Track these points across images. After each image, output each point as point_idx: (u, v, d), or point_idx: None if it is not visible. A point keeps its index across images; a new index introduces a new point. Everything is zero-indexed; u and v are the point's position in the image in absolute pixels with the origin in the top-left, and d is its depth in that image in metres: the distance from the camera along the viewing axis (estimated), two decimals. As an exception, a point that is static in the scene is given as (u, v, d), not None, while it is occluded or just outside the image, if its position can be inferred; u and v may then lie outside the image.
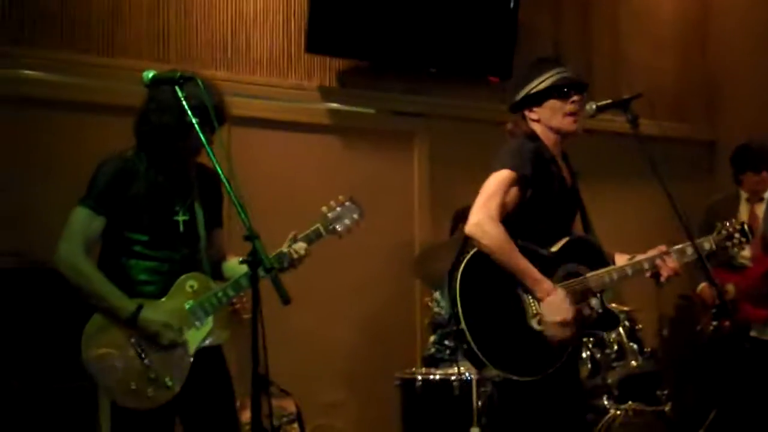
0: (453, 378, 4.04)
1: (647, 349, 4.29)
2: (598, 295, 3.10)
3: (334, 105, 5.14)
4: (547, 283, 2.98)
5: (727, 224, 3.26)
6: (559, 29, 6.04)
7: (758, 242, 4.69)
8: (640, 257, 3.17)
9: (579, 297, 3.05)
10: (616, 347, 4.11)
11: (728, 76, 6.55)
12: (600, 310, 3.10)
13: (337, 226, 3.36)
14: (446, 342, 4.70)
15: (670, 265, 3.12)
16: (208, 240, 3.29)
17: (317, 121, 5.09)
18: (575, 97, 3.16)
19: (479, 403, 3.88)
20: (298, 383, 4.45)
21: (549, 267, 3.05)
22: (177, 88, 2.81)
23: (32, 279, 3.78)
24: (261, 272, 2.56)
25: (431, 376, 4.14)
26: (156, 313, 3.06)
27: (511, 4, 5.55)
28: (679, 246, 3.16)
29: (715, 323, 4.66)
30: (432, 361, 4.68)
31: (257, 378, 2.55)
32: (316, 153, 5.11)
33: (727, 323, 4.66)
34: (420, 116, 5.42)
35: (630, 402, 3.91)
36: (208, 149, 2.72)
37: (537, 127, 3.21)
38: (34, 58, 4.20)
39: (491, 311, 2.98)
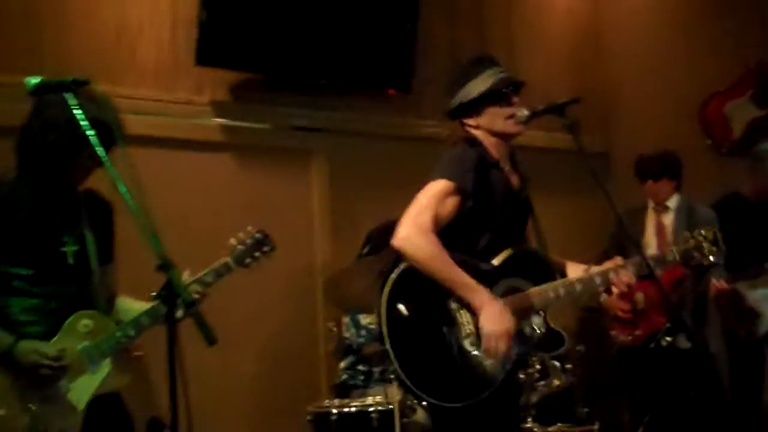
0: (371, 409, 3.77)
1: (568, 366, 4.16)
2: (541, 312, 2.89)
3: (227, 120, 4.81)
4: (484, 293, 2.77)
5: (696, 234, 3.08)
6: (456, 43, 5.90)
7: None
8: (593, 270, 2.98)
9: (519, 314, 2.84)
10: (539, 366, 3.94)
11: (621, 89, 6.58)
12: (542, 330, 2.88)
13: (247, 260, 3.08)
14: (359, 367, 4.46)
15: (624, 279, 2.94)
16: (100, 275, 2.93)
17: (209, 138, 4.75)
18: (515, 99, 2.98)
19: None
20: (197, 424, 4.08)
21: (488, 282, 2.84)
22: (68, 96, 2.45)
23: None
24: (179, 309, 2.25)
25: (347, 408, 3.84)
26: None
27: (410, 17, 5.37)
28: (635, 258, 2.98)
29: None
30: (343, 390, 4.43)
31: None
32: (208, 172, 4.76)
33: (638, 333, 4.58)
34: (318, 131, 5.15)
35: (559, 424, 3.73)
36: (109, 168, 2.37)
37: (478, 133, 3.01)
38: None
39: (421, 332, 2.77)
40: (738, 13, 5.89)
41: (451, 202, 2.86)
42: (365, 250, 4.59)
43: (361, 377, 4.44)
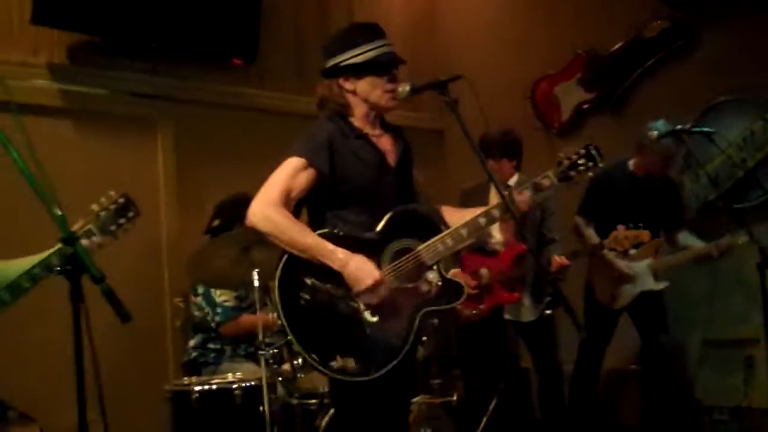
0: (234, 386, 3.67)
1: (423, 339, 4.21)
2: (435, 267, 2.88)
3: (65, 84, 4.50)
4: (341, 252, 2.73)
5: (569, 152, 3.06)
6: (299, 17, 5.84)
7: (510, 227, 4.81)
8: (476, 212, 2.96)
9: (413, 274, 2.84)
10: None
11: (455, 69, 6.69)
12: (439, 283, 2.88)
13: (112, 227, 2.90)
14: (210, 345, 4.34)
15: (522, 198, 2.96)
16: None
17: (46, 102, 4.43)
18: (394, 72, 2.96)
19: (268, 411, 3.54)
20: (42, 405, 3.85)
21: (375, 249, 2.81)
22: None
23: None
24: None
25: (207, 386, 3.71)
26: None
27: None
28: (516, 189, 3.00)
29: (482, 307, 4.69)
30: (193, 367, 4.29)
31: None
32: (45, 139, 4.42)
33: (482, 307, 4.73)
34: (161, 99, 4.93)
35: (421, 395, 3.77)
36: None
37: (351, 98, 2.96)
38: None
39: (321, 314, 2.71)
40: (568, 3, 6.18)
41: (304, 177, 2.82)
42: (215, 223, 4.46)
43: (212, 355, 4.33)
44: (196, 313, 4.35)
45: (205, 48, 5.11)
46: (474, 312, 4.72)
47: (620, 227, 4.82)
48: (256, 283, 3.74)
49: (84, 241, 2.71)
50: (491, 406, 4.37)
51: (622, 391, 5.55)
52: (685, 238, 4.95)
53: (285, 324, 2.68)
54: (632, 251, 4.77)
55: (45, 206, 2.10)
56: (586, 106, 6.09)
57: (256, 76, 5.39)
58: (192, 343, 4.36)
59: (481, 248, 4.84)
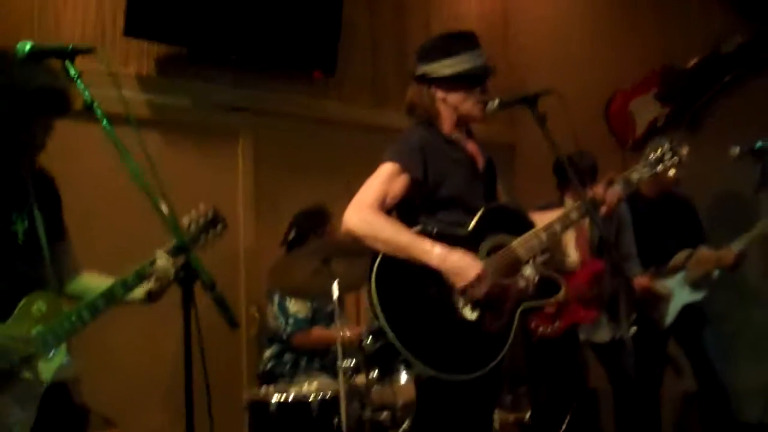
0: (311, 398, 3.74)
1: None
2: (531, 262, 2.89)
3: (152, 95, 4.63)
4: (438, 248, 2.72)
5: (654, 146, 3.11)
6: (377, 26, 5.90)
7: (586, 246, 4.80)
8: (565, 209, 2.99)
9: (509, 270, 2.85)
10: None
11: (527, 81, 6.72)
12: (536, 278, 2.89)
13: (201, 240, 2.99)
14: (285, 356, 4.41)
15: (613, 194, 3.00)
16: (53, 253, 2.79)
17: (133, 112, 4.55)
18: (486, 83, 2.99)
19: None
20: (122, 409, 3.98)
21: (469, 246, 2.82)
22: (68, 64, 2.34)
23: None
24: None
25: (285, 396, 3.79)
26: None
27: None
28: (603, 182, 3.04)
29: (557, 325, 4.68)
30: (269, 378, 4.37)
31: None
32: (133, 150, 4.57)
33: (558, 325, 4.71)
34: (243, 110, 5.03)
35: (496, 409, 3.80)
36: (118, 144, 2.29)
37: (441, 106, 2.99)
38: None
39: (419, 312, 2.72)
40: (642, 18, 6.13)
41: (399, 183, 2.86)
42: (291, 236, 4.53)
43: (288, 366, 4.39)
44: (271, 322, 4.43)
45: (285, 60, 5.19)
46: (549, 330, 4.71)
47: (702, 247, 4.81)
48: (336, 294, 3.79)
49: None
50: (564, 426, 4.36)
51: (687, 415, 5.47)
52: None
53: (384, 323, 2.67)
54: (715, 272, 4.77)
55: (161, 217, 2.17)
56: (660, 123, 6.03)
57: (334, 88, 5.46)
58: (268, 353, 4.44)
59: (557, 269, 4.83)
